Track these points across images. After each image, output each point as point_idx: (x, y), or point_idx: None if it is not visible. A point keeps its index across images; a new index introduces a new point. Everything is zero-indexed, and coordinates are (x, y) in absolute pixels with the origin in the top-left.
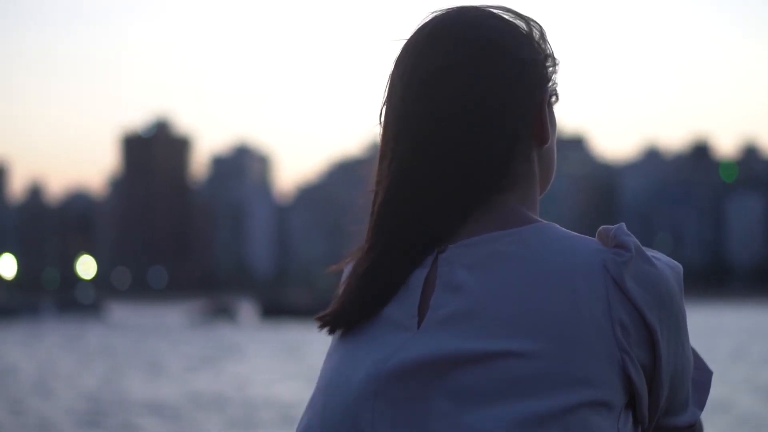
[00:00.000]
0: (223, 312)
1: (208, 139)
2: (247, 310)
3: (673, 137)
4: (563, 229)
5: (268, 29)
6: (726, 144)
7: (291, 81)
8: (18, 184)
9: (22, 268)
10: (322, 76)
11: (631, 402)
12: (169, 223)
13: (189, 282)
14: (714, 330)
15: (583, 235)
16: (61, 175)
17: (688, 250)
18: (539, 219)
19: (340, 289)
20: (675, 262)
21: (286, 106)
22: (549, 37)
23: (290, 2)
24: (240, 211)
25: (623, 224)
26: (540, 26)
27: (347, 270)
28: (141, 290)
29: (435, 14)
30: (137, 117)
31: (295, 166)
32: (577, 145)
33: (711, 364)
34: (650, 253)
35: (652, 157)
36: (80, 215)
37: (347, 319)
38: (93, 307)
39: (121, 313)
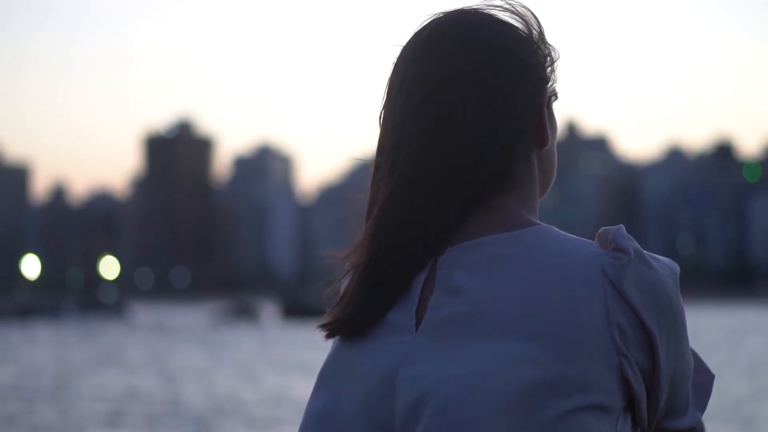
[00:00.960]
0: (245, 312)
1: (231, 140)
2: (269, 310)
3: (696, 137)
4: (562, 231)
5: (291, 30)
6: (749, 144)
7: (314, 81)
8: (41, 185)
9: (46, 268)
10: (344, 76)
11: (630, 405)
12: (192, 224)
13: (212, 282)
14: (737, 331)
15: (582, 238)
16: (84, 176)
17: (711, 250)
18: (538, 221)
19: (341, 294)
20: (673, 263)
21: (308, 107)
22: (548, 36)
23: (313, 3)
24: (262, 211)
25: (622, 227)
26: (539, 26)
27: (346, 274)
28: (164, 291)
29: (434, 17)
30: (160, 118)
31: (317, 166)
32: (599, 145)
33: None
34: (649, 255)
35: (674, 157)
36: (103, 216)
37: (350, 326)
38: (115, 308)
39: (143, 313)
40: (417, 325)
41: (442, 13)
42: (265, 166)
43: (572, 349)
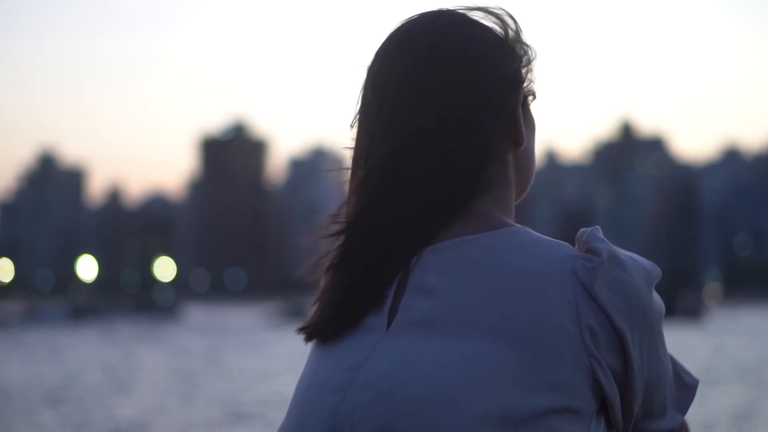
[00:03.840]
0: (299, 314)
1: (285, 142)
2: None
3: (753, 137)
4: (535, 233)
5: (346, 33)
6: None
7: None
8: (98, 188)
9: (102, 270)
10: None
11: (604, 407)
12: (247, 225)
13: (267, 284)
14: None
15: (555, 240)
16: (140, 179)
17: None
18: (512, 223)
19: (317, 297)
20: (653, 265)
21: None
22: (525, 34)
23: (368, 7)
24: (317, 212)
25: (597, 228)
26: (516, 25)
27: (324, 276)
28: (219, 292)
29: (407, 20)
30: (215, 120)
31: None
32: (655, 146)
33: None
34: (626, 257)
35: (731, 157)
36: (159, 218)
37: (326, 330)
38: (170, 309)
39: (198, 314)
40: (388, 326)
41: (417, 15)
42: (319, 167)
43: (540, 350)
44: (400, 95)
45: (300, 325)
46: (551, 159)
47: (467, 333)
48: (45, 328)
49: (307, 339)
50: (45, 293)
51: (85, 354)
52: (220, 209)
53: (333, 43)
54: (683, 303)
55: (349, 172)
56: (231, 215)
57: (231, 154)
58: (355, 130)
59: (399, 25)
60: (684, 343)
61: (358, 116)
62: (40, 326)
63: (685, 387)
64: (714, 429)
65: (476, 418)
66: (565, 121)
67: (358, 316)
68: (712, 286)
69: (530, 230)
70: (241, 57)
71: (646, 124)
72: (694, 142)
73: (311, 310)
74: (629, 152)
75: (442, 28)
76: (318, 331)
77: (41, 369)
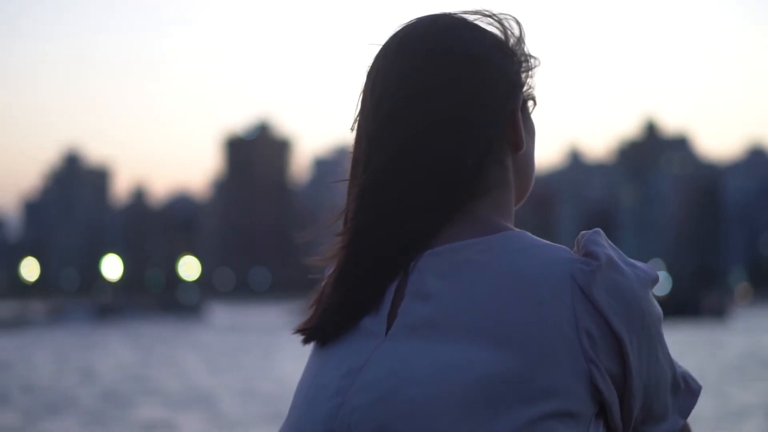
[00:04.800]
0: None
1: (310, 141)
2: None
3: None
4: (534, 237)
5: (370, 32)
6: None
7: None
8: (122, 187)
9: (127, 269)
10: None
11: (602, 411)
12: (271, 225)
13: (291, 283)
14: None
15: (554, 244)
16: (165, 178)
17: None
18: (511, 227)
19: (316, 299)
20: (651, 269)
21: None
22: (528, 40)
23: (390, 5)
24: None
25: (598, 231)
26: (519, 29)
27: (324, 279)
28: (243, 291)
29: (407, 24)
30: (239, 120)
31: None
32: (680, 145)
33: None
34: (624, 261)
35: (756, 156)
36: (183, 217)
37: (324, 332)
38: (194, 309)
39: (222, 314)
40: (387, 330)
41: (415, 19)
42: (343, 166)
43: (537, 354)
44: (397, 97)
45: (297, 326)
46: (575, 158)
47: (465, 337)
48: (70, 327)
49: (305, 341)
50: (70, 292)
51: (109, 353)
52: (244, 208)
53: (358, 42)
54: (708, 302)
55: (350, 175)
56: (255, 214)
57: (255, 153)
58: (354, 134)
59: (398, 29)
60: (710, 342)
61: (357, 120)
62: (65, 325)
63: (688, 391)
64: (745, 422)
65: (472, 421)
66: (590, 120)
67: (356, 319)
68: (742, 286)
69: (529, 234)
70: (265, 56)
71: (671, 122)
72: (718, 140)
73: (309, 312)
74: (654, 151)
75: (440, 30)
76: (316, 334)
77: (65, 367)
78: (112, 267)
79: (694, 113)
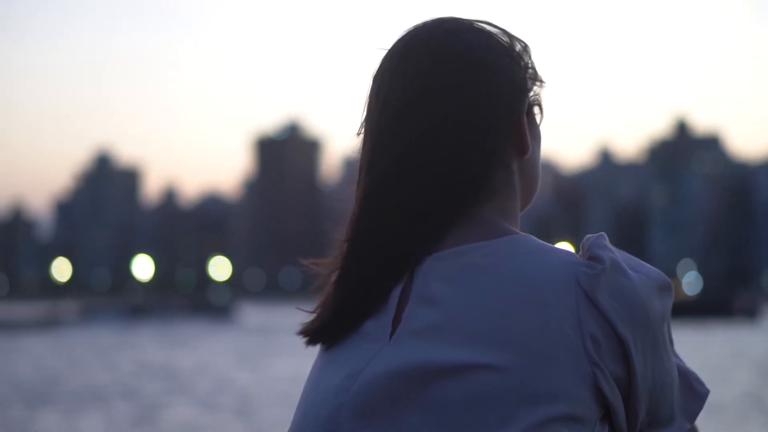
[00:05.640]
0: None
1: (340, 141)
2: None
3: None
4: (539, 241)
5: (397, 32)
6: None
7: None
8: (153, 188)
9: (158, 269)
10: None
11: (608, 415)
12: (302, 225)
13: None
14: None
15: (559, 248)
16: (195, 178)
17: None
18: (516, 230)
19: (321, 301)
20: (659, 273)
21: None
22: (534, 53)
23: (420, 7)
24: None
25: (602, 235)
26: (524, 42)
27: (329, 283)
28: (274, 291)
29: (412, 27)
30: (269, 120)
31: None
32: (711, 144)
33: None
34: (631, 265)
35: None
36: (214, 217)
37: (327, 334)
38: (225, 309)
39: (252, 314)
40: (392, 335)
41: (421, 23)
42: None
43: (541, 359)
44: (401, 99)
45: (301, 328)
46: (606, 158)
47: (469, 341)
48: (101, 327)
49: (309, 343)
50: (101, 293)
51: (140, 353)
52: (274, 209)
53: (388, 42)
54: (740, 303)
55: (357, 179)
56: (286, 214)
57: (286, 153)
58: (361, 138)
59: (403, 33)
60: (740, 343)
61: (363, 123)
62: (96, 325)
63: (695, 395)
64: None
65: (478, 425)
66: (620, 119)
67: (359, 322)
68: None
69: (533, 238)
70: (296, 57)
71: (702, 122)
72: (749, 140)
73: (313, 314)
74: (684, 151)
75: (445, 34)
76: (319, 336)
77: (96, 367)
78: (142, 267)
79: (725, 112)
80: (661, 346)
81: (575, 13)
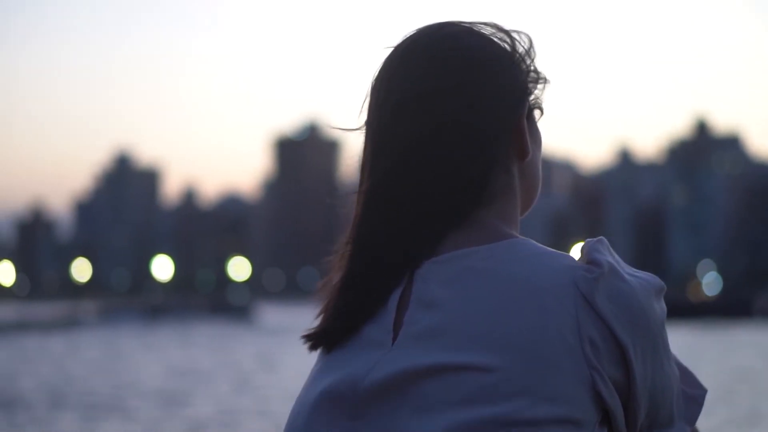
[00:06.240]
0: None
1: (359, 141)
2: None
3: None
4: (539, 244)
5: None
6: None
7: None
8: (173, 188)
9: (177, 269)
10: None
11: (607, 418)
12: (321, 225)
13: None
14: None
15: (558, 252)
16: (215, 179)
17: None
18: (515, 234)
19: (323, 306)
20: (654, 278)
21: None
22: (538, 52)
23: (440, 8)
24: None
25: (602, 239)
26: (529, 40)
27: (331, 287)
28: (293, 291)
29: (412, 32)
30: (289, 120)
31: None
32: (731, 144)
33: None
34: (629, 270)
35: None
36: (233, 218)
37: (328, 338)
38: (244, 309)
39: (271, 315)
40: (394, 339)
41: (423, 27)
42: None
43: (540, 362)
44: (401, 102)
45: (304, 332)
46: (625, 158)
47: (468, 344)
48: (120, 327)
49: (311, 347)
50: (120, 293)
51: (160, 353)
52: (294, 209)
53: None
54: (760, 303)
55: (358, 181)
56: (305, 215)
57: (305, 153)
58: (362, 140)
59: (404, 37)
60: (762, 344)
61: (363, 126)
62: (115, 326)
63: (694, 398)
64: None
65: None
66: (640, 118)
67: (360, 326)
68: None
69: (533, 242)
70: (315, 58)
71: (722, 121)
72: None
73: (316, 319)
74: (705, 150)
75: (446, 37)
76: (321, 340)
77: (116, 368)
78: (162, 267)
79: (745, 112)
80: (661, 349)
81: (595, 12)
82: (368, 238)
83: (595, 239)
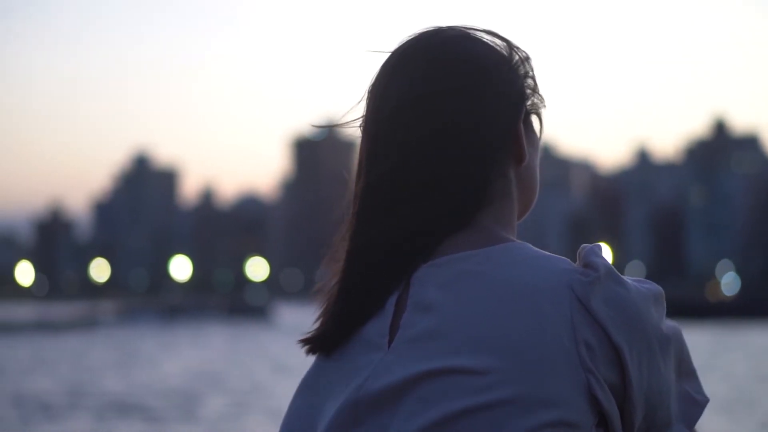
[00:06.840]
0: None
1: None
2: None
3: None
4: (535, 248)
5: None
6: None
7: None
8: (191, 188)
9: (195, 270)
10: None
11: (603, 421)
12: (338, 225)
13: None
14: None
15: (554, 255)
16: (233, 179)
17: None
18: (512, 238)
19: (321, 310)
20: (655, 285)
21: None
22: (535, 63)
23: (458, 12)
24: None
25: (598, 245)
26: (525, 52)
27: (329, 291)
28: (311, 292)
29: (410, 36)
30: (306, 120)
31: None
32: (750, 144)
33: None
34: (625, 276)
35: None
36: (251, 218)
37: (326, 342)
38: (262, 309)
39: (289, 315)
40: (390, 342)
41: (420, 31)
42: None
43: (536, 365)
44: (398, 105)
45: (302, 336)
46: (644, 158)
47: (464, 348)
48: (139, 327)
49: (308, 351)
50: (139, 293)
51: (177, 354)
52: (311, 209)
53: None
54: None
55: (355, 185)
56: (323, 215)
57: (323, 154)
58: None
59: (401, 41)
60: None
61: (360, 130)
62: (134, 326)
63: (694, 402)
64: None
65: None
66: (658, 119)
67: (357, 330)
68: None
69: (530, 245)
70: (332, 57)
71: (740, 121)
72: None
73: (314, 323)
74: (723, 151)
75: (443, 41)
76: (319, 344)
77: (134, 368)
78: (180, 268)
79: (764, 112)
80: (657, 352)
81: (613, 12)
82: (366, 242)
83: (591, 244)
